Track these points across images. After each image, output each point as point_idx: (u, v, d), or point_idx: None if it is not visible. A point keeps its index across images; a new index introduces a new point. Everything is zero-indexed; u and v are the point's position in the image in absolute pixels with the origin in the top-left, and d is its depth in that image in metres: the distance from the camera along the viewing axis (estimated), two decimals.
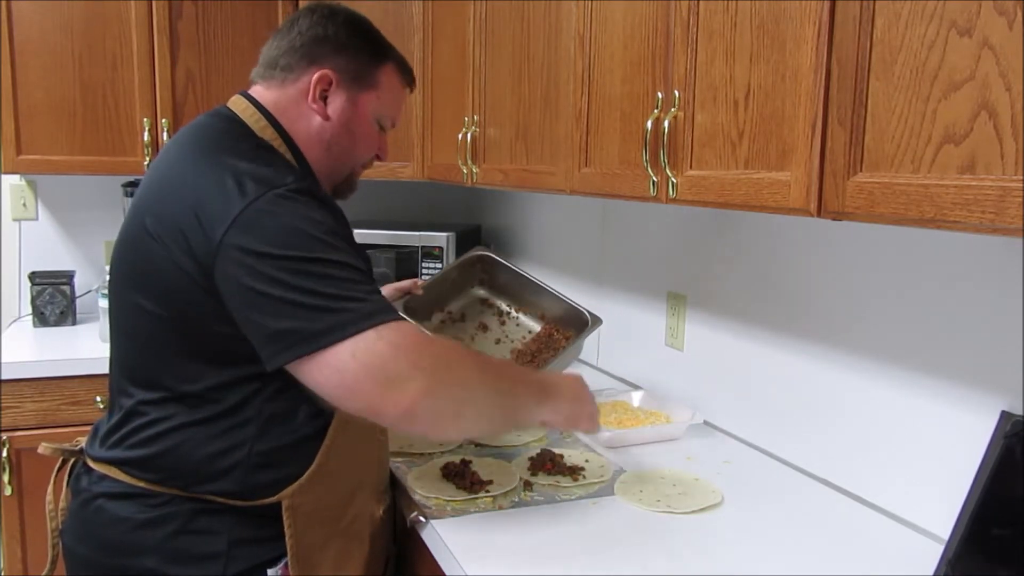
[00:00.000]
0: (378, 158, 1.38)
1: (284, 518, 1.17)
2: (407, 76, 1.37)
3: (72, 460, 1.28)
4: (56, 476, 1.29)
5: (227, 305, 1.07)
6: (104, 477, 1.19)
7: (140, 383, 1.18)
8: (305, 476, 1.18)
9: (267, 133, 1.24)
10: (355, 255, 1.09)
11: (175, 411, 1.15)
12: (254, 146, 1.20)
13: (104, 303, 2.35)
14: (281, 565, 1.18)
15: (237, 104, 1.26)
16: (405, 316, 1.09)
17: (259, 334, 1.05)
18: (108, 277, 1.34)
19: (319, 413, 1.18)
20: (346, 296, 1.02)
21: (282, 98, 1.26)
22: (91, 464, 1.22)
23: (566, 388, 1.27)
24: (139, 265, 1.15)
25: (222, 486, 1.15)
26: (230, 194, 1.06)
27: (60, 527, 1.28)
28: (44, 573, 1.29)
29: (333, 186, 1.35)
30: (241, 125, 1.23)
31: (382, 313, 1.03)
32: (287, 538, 1.17)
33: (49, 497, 1.27)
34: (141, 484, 1.17)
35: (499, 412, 1.16)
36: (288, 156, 1.24)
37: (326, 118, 1.27)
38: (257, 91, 1.28)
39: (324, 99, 1.26)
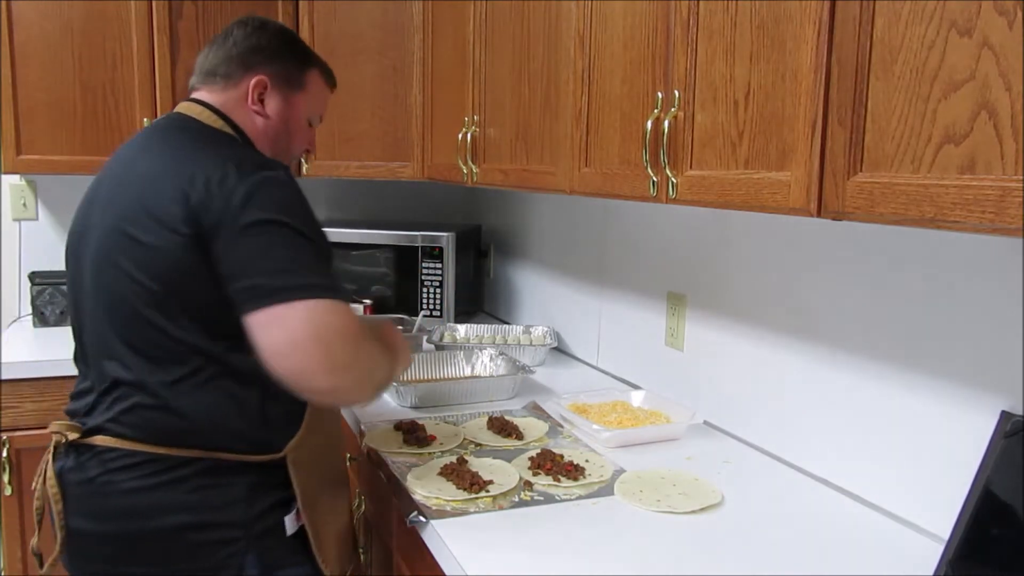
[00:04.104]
0: (307, 151, 1.56)
1: (290, 470, 1.31)
2: (330, 79, 1.55)
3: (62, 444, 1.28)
4: (51, 460, 1.29)
5: (222, 265, 1.17)
6: (109, 450, 1.24)
7: (143, 355, 1.23)
8: (300, 431, 1.32)
9: (224, 127, 1.38)
10: (324, 241, 1.24)
11: (184, 378, 1.22)
12: (228, 138, 1.37)
13: None
14: (293, 512, 1.33)
15: (191, 108, 1.39)
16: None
17: (240, 286, 1.17)
18: (80, 261, 1.33)
19: None
20: (315, 270, 1.18)
21: (227, 101, 1.41)
22: (90, 440, 1.24)
23: (402, 349, 1.44)
24: (139, 248, 1.22)
25: (235, 443, 1.25)
26: (230, 171, 1.20)
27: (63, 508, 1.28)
28: (55, 555, 1.28)
29: None
30: (202, 124, 1.37)
31: (340, 291, 1.20)
32: (295, 487, 1.31)
33: (52, 480, 1.27)
34: (160, 450, 1.22)
35: (378, 389, 1.34)
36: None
37: (266, 117, 1.43)
38: (203, 95, 1.42)
39: (262, 101, 1.42)
